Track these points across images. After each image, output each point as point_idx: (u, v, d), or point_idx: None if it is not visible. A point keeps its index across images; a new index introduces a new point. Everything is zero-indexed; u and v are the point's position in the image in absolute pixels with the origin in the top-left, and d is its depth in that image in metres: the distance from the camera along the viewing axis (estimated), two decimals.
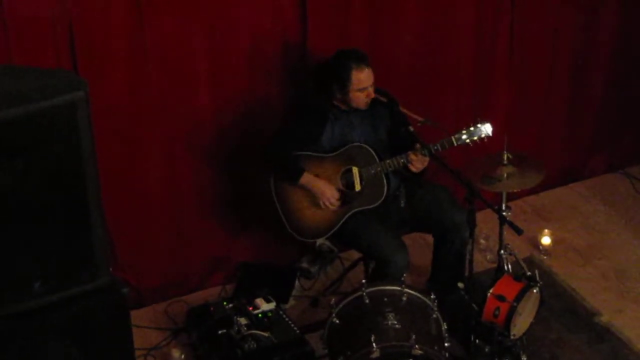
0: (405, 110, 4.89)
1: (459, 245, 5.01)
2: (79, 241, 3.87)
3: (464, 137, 4.82)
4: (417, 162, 4.83)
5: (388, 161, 4.89)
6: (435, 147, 4.81)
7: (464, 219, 4.72)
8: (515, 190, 4.93)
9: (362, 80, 4.81)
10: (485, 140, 4.84)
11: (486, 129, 4.81)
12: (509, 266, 4.84)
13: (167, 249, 5.43)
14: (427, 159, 4.82)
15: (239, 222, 5.60)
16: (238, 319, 4.81)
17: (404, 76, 5.59)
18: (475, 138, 4.82)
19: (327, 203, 4.92)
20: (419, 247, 5.60)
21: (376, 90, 4.88)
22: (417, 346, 4.24)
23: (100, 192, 3.87)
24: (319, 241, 5.63)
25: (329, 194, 4.92)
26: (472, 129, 4.82)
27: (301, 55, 5.30)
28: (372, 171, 4.92)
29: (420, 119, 4.84)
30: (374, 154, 4.93)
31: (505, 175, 4.81)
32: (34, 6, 4.61)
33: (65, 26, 4.70)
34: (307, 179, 4.91)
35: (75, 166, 3.75)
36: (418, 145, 4.80)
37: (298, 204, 4.99)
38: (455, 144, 4.82)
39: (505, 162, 4.83)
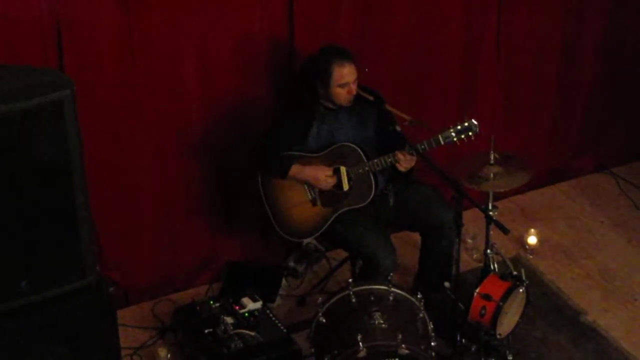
0: (392, 109, 4.88)
1: (446, 245, 5.00)
2: (66, 240, 3.87)
3: (451, 135, 4.81)
4: (405, 162, 4.83)
5: (376, 160, 4.89)
6: (423, 146, 4.80)
7: (451, 218, 4.73)
8: (502, 190, 4.94)
9: (344, 75, 4.79)
10: (472, 138, 4.84)
11: (473, 127, 4.81)
12: (496, 265, 4.86)
13: (154, 248, 5.43)
14: (415, 158, 4.82)
15: (226, 221, 5.59)
16: (224, 318, 4.81)
17: (391, 75, 5.59)
18: (462, 136, 4.81)
19: (324, 184, 4.92)
20: (406, 246, 5.61)
21: (363, 89, 4.88)
22: (403, 345, 4.24)
23: (87, 190, 3.87)
24: (306, 240, 5.63)
25: (322, 175, 4.92)
26: (458, 127, 4.81)
27: (289, 55, 5.31)
28: (360, 171, 4.92)
29: (407, 118, 4.83)
30: (361, 153, 4.92)
31: (492, 174, 4.81)
32: (21, 5, 4.60)
33: (52, 25, 4.68)
34: (296, 169, 4.90)
35: (62, 165, 3.75)
36: (407, 145, 4.81)
37: (286, 204, 4.99)
38: (442, 143, 4.81)
39: (492, 161, 4.83)
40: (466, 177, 4.79)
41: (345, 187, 4.96)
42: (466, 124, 4.80)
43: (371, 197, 4.94)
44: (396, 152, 4.81)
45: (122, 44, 4.88)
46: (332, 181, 4.93)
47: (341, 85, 4.81)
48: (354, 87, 4.82)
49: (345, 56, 4.80)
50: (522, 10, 5.89)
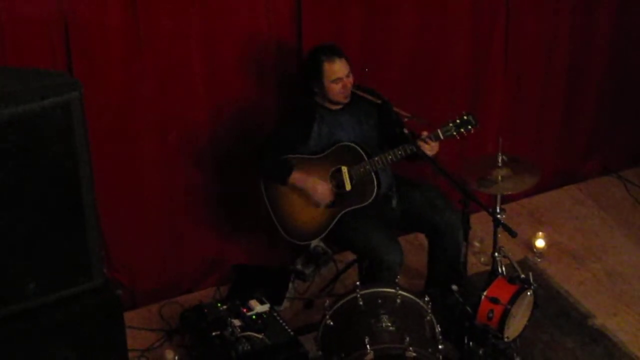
0: (394, 108, 4.90)
1: (452, 247, 5.00)
2: (73, 242, 3.87)
3: (451, 129, 4.79)
4: (428, 149, 4.82)
5: (376, 158, 4.88)
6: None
7: (457, 220, 4.72)
8: (510, 193, 4.94)
9: (335, 71, 4.80)
10: (472, 132, 4.83)
11: (471, 120, 4.80)
12: (503, 268, 4.85)
13: (161, 250, 5.43)
14: (438, 144, 4.80)
15: (233, 223, 5.59)
16: (232, 320, 4.81)
17: (398, 78, 5.59)
18: (462, 130, 4.80)
19: (320, 199, 4.92)
20: (414, 248, 5.60)
21: (369, 92, 4.88)
22: (411, 348, 4.24)
23: (95, 192, 3.87)
24: (313, 243, 5.63)
25: (321, 189, 4.92)
26: (457, 120, 4.81)
27: (296, 59, 5.30)
28: (361, 170, 4.91)
29: (407, 114, 4.83)
30: (361, 152, 4.91)
31: (500, 177, 4.81)
32: (29, 6, 4.61)
33: (60, 27, 4.69)
34: (297, 176, 4.90)
35: (69, 167, 3.75)
36: (425, 133, 4.79)
37: (290, 208, 4.99)
38: (442, 137, 4.81)
39: (500, 164, 4.83)
40: (474, 180, 4.79)
41: (348, 186, 4.95)
42: (465, 117, 4.80)
43: (374, 194, 4.93)
44: (418, 140, 4.78)
45: (129, 46, 4.89)
46: (328, 199, 4.93)
47: (334, 81, 4.81)
48: (347, 81, 4.83)
49: (334, 52, 4.81)
50: (529, 12, 5.88)
